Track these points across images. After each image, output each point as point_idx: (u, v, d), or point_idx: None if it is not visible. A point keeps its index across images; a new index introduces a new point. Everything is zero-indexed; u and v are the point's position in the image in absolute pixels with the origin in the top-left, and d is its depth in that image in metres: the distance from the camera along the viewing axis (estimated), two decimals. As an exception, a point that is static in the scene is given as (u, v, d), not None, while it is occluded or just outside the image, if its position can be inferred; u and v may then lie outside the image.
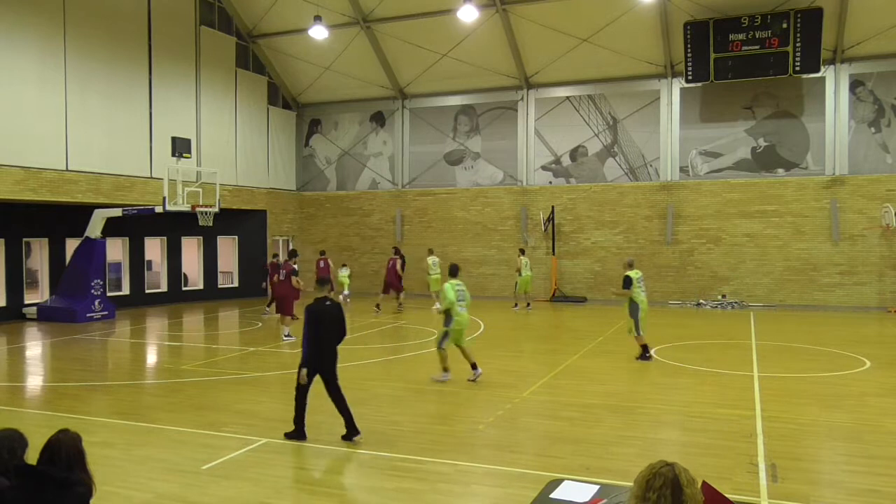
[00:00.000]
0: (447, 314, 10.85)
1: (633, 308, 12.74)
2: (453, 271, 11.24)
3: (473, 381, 10.79)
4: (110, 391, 10.76)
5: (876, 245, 21.16)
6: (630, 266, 13.18)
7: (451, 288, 10.83)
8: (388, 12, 24.06)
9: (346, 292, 24.33)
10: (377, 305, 20.99)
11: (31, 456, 3.78)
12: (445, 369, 10.89)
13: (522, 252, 22.66)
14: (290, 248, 26.31)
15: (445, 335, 10.89)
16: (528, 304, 21.77)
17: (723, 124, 22.85)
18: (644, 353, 12.64)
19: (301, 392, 7.89)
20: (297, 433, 7.85)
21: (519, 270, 22.01)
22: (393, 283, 21.30)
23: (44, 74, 18.54)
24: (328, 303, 7.89)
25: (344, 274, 24.74)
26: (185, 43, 23.33)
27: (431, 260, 22.32)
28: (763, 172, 22.44)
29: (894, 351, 14.19)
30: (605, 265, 23.94)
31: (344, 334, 8.00)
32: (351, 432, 7.77)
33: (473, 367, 10.91)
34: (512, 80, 24.92)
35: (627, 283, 12.80)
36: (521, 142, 25.22)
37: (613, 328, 17.29)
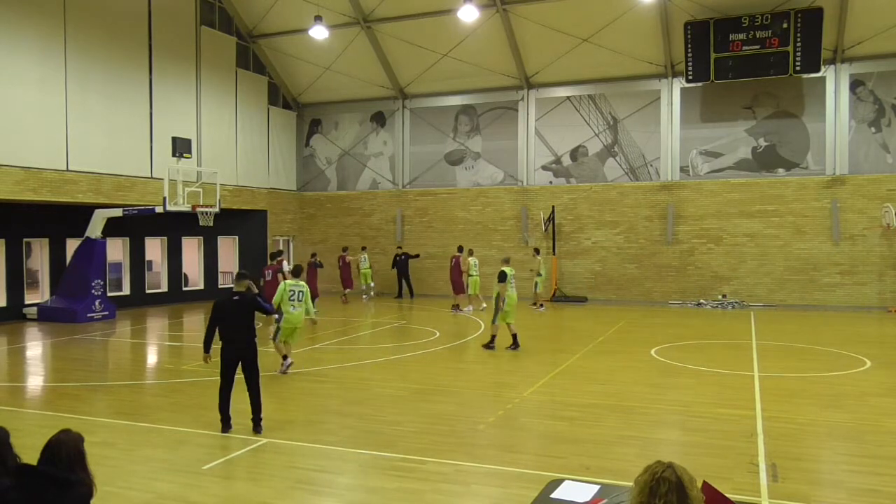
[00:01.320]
0: (280, 311, 11.49)
1: (499, 300, 13.38)
2: (296, 272, 12.16)
3: (283, 372, 11.44)
4: (111, 391, 10.76)
5: (876, 245, 21.16)
6: (506, 262, 14.48)
7: (286, 287, 11.56)
8: (388, 12, 24.07)
9: (370, 293, 24.09)
10: (456, 306, 20.98)
11: (32, 456, 3.78)
12: (284, 357, 11.66)
13: (537, 252, 22.59)
14: (278, 248, 25.96)
15: (278, 331, 11.74)
16: (542, 305, 21.60)
17: (723, 124, 22.84)
18: (490, 343, 13.35)
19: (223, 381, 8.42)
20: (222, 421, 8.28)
21: (539, 271, 21.87)
22: (457, 283, 21.17)
23: (44, 74, 18.55)
24: (235, 297, 8.43)
25: (365, 266, 24.86)
26: (186, 43, 23.34)
27: (473, 261, 21.76)
28: (763, 172, 22.44)
29: (894, 351, 14.19)
30: (606, 265, 23.95)
31: (248, 326, 8.47)
32: (256, 425, 8.20)
33: (284, 357, 11.63)
34: (512, 80, 24.92)
35: (502, 276, 13.84)
36: (521, 142, 25.22)
37: (614, 328, 17.29)
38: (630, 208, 23.78)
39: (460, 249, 22.38)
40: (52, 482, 3.53)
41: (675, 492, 2.60)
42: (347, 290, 23.98)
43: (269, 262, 17.52)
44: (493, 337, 13.92)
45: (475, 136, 25.97)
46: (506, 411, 9.16)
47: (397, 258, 25.04)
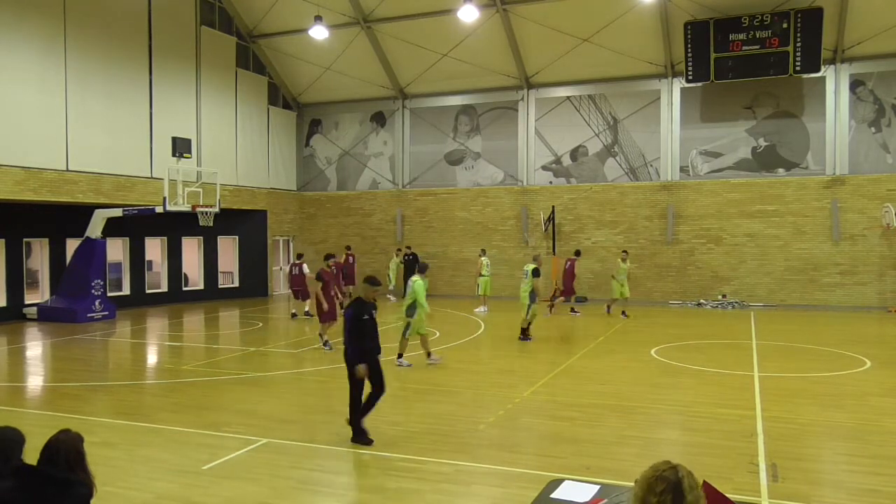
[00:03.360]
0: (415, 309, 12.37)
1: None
2: (422, 269, 13.10)
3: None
4: (111, 391, 10.76)
5: (876, 245, 21.16)
6: (536, 260, 16.01)
7: (425, 285, 12.58)
8: (388, 12, 24.06)
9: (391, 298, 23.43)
10: (572, 309, 20.57)
11: (32, 457, 3.78)
12: (401, 354, 12.51)
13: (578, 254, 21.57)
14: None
15: (408, 327, 12.48)
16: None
17: (723, 124, 22.84)
18: (399, 357, 12.51)
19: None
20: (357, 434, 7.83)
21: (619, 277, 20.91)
22: (567, 286, 20.42)
23: (44, 74, 18.55)
24: (372, 306, 8.40)
25: (393, 264, 24.75)
26: (186, 43, 23.34)
27: (485, 260, 21.48)
28: (763, 172, 22.44)
29: (894, 351, 14.19)
30: (606, 265, 23.92)
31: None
32: (362, 434, 7.87)
33: (401, 356, 12.44)
34: (512, 80, 24.92)
35: (537, 273, 15.23)
36: (521, 142, 25.21)
37: (614, 328, 17.30)
38: (630, 208, 23.78)
39: (577, 254, 20.96)
40: (51, 482, 3.53)
41: (671, 493, 2.59)
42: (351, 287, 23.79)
43: (325, 263, 17.51)
44: (528, 327, 15.44)
45: (475, 136, 25.97)
46: (506, 411, 9.16)
47: (407, 258, 24.86)
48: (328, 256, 15.39)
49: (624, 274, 19.98)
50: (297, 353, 14.00)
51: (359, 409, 7.82)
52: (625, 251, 21.01)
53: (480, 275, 21.33)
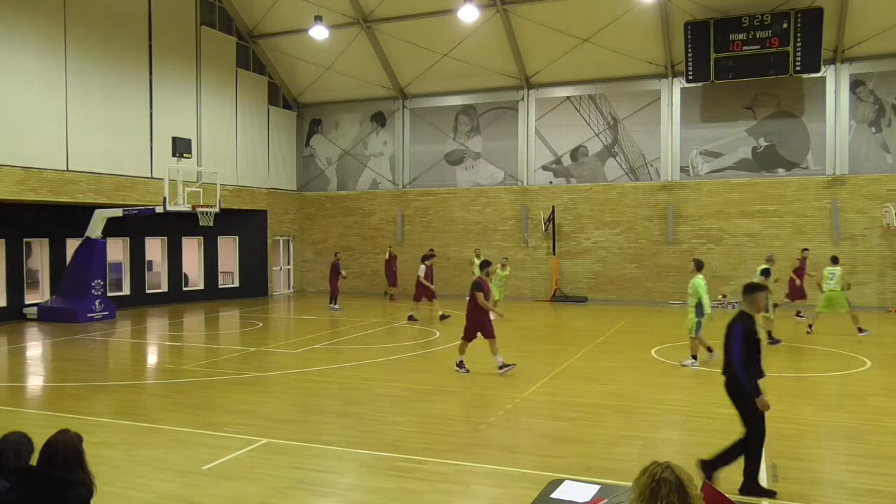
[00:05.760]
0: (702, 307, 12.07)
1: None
2: None
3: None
4: (111, 391, 10.76)
5: (876, 245, 21.16)
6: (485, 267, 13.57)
7: (704, 283, 12.15)
8: (388, 12, 24.07)
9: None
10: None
11: (32, 457, 3.79)
12: (709, 349, 12.19)
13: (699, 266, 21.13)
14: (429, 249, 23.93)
15: (699, 326, 12.10)
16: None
17: (723, 124, 22.84)
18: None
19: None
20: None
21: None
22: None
23: (44, 75, 18.55)
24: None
25: (476, 264, 23.77)
26: (186, 43, 23.34)
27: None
28: (763, 172, 22.44)
29: (894, 351, 14.18)
30: (606, 265, 23.95)
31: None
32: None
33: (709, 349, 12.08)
34: (512, 80, 24.92)
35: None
36: (521, 142, 25.22)
37: (614, 328, 17.29)
38: (630, 208, 23.78)
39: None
40: (50, 483, 3.53)
41: (676, 492, 2.59)
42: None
43: (423, 260, 19.44)
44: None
45: (475, 136, 25.97)
46: (506, 411, 9.15)
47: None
48: (426, 256, 19.41)
49: (500, 280, 19.61)
50: (297, 353, 14.00)
51: (731, 456, 6.25)
52: (505, 258, 21.25)
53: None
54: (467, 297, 11.88)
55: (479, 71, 24.79)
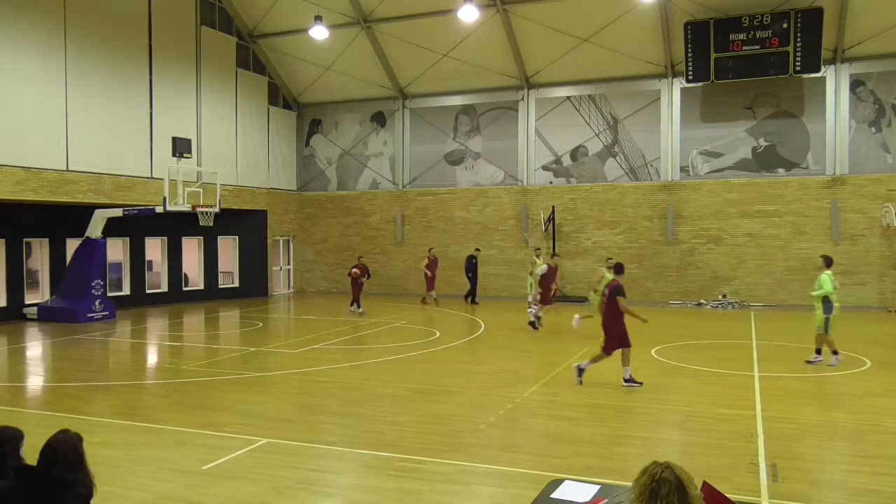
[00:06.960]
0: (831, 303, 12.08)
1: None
2: None
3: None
4: (111, 391, 10.76)
5: (877, 245, 21.16)
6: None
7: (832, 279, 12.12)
8: (388, 12, 24.07)
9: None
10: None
11: (32, 457, 3.78)
12: (834, 352, 12.13)
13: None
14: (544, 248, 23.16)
15: (828, 322, 12.09)
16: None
17: (723, 124, 22.84)
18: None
19: None
20: None
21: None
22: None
23: (44, 75, 18.55)
24: None
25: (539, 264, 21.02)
26: (186, 43, 23.34)
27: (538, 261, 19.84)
28: (764, 172, 22.43)
29: (894, 351, 14.18)
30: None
31: None
32: None
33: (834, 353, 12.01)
34: (512, 80, 24.91)
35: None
36: (521, 142, 25.21)
37: (614, 328, 17.22)
38: (630, 208, 23.78)
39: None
40: (50, 483, 3.53)
41: (676, 492, 2.59)
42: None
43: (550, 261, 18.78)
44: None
45: (475, 136, 25.96)
46: (506, 411, 9.15)
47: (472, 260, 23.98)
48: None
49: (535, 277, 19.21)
50: (296, 354, 14.00)
51: None
52: (538, 248, 21.54)
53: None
54: (594, 302, 10.86)
55: (479, 71, 24.79)
